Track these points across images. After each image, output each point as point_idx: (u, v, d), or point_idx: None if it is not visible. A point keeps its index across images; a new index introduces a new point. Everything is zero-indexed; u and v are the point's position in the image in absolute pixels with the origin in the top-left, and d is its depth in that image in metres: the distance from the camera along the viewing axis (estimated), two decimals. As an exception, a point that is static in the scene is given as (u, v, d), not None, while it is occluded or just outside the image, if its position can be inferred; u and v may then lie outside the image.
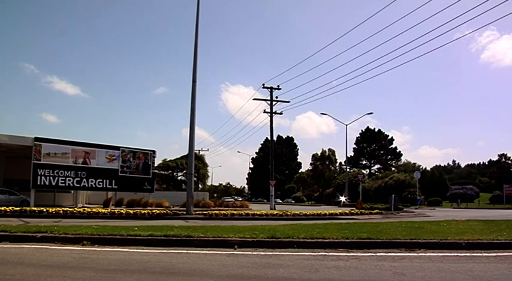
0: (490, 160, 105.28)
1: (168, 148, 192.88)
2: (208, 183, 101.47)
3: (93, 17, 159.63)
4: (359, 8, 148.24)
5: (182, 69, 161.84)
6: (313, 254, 8.79)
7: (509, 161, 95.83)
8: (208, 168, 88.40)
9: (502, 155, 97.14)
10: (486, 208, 54.51)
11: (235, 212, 25.96)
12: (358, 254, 8.85)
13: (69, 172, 32.94)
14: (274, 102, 44.93)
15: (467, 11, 21.60)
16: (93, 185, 34.73)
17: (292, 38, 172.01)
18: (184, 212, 24.51)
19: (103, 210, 24.20)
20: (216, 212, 25.60)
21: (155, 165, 43.76)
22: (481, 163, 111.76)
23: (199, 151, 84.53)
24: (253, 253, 9.04)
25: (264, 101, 45.56)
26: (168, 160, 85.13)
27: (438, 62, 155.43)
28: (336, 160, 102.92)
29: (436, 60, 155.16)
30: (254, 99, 48.48)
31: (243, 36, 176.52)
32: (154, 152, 39.29)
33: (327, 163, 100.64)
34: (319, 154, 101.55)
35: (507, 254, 8.65)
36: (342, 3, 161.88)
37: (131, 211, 23.32)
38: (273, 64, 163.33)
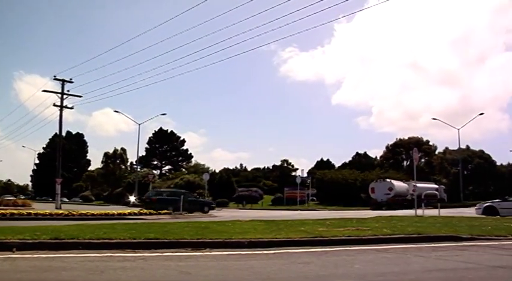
0: (274, 164, 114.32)
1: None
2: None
3: None
4: (164, 7, 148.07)
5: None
6: (99, 255, 8.39)
7: (290, 166, 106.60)
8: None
9: (284, 161, 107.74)
10: (269, 209, 58.57)
11: (15, 211, 23.70)
12: (145, 254, 8.73)
13: None
14: (65, 96, 42.90)
15: (269, 22, 22.87)
16: None
17: (97, 31, 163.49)
18: (-48, 212, 21.56)
19: None
20: (-8, 211, 23.09)
21: None
22: (266, 167, 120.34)
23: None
24: (34, 255, 8.26)
25: (55, 94, 43.20)
26: None
27: (241, 69, 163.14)
28: (127, 159, 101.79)
29: (239, 67, 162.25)
30: (43, 91, 45.18)
31: (42, 24, 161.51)
32: None
33: (118, 161, 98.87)
34: (112, 152, 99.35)
35: (283, 251, 9.36)
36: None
37: None
38: (74, 56, 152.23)
